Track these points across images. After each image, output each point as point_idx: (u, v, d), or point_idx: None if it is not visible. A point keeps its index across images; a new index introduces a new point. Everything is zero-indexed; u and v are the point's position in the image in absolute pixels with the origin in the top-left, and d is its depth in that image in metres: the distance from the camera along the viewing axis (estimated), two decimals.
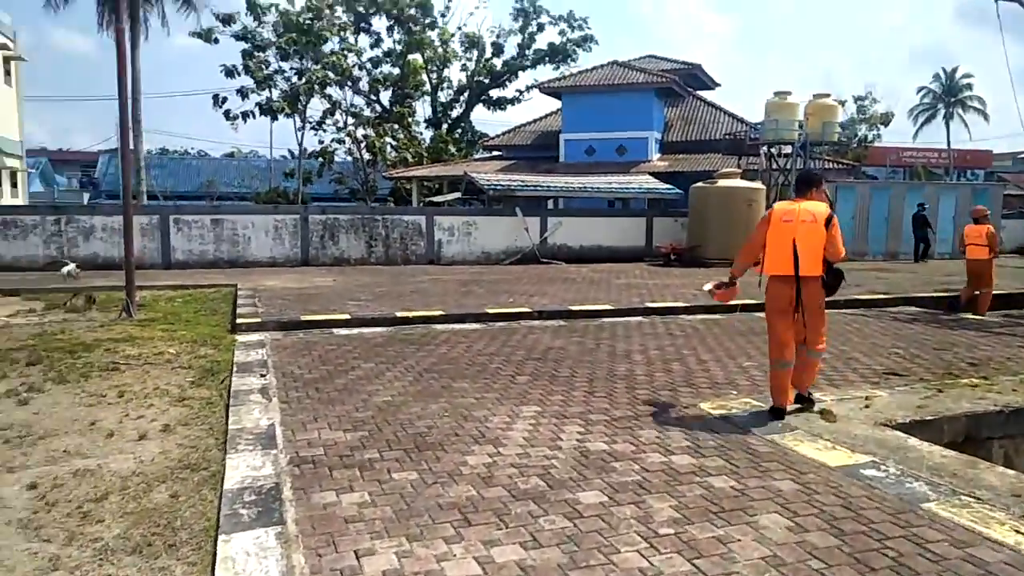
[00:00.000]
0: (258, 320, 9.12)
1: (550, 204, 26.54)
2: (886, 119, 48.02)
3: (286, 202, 34.33)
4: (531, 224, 19.74)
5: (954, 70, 62.99)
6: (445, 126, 42.39)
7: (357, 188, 36.62)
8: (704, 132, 29.42)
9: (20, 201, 28.35)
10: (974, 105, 63.63)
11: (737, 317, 10.67)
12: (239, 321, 9.07)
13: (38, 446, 4.76)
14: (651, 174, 24.69)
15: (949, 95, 63.58)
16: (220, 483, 4.05)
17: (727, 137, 25.31)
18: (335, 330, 9.17)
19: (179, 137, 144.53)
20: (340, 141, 35.81)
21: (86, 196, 51.47)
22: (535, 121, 33.26)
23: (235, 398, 5.86)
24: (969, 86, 62.93)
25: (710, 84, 34.98)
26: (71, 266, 11.41)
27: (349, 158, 37.45)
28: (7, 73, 27.23)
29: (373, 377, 6.67)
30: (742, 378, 6.81)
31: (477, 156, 37.41)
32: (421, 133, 40.06)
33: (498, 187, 19.52)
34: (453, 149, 40.51)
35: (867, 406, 5.85)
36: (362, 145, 35.01)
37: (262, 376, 6.63)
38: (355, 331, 9.14)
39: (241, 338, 8.61)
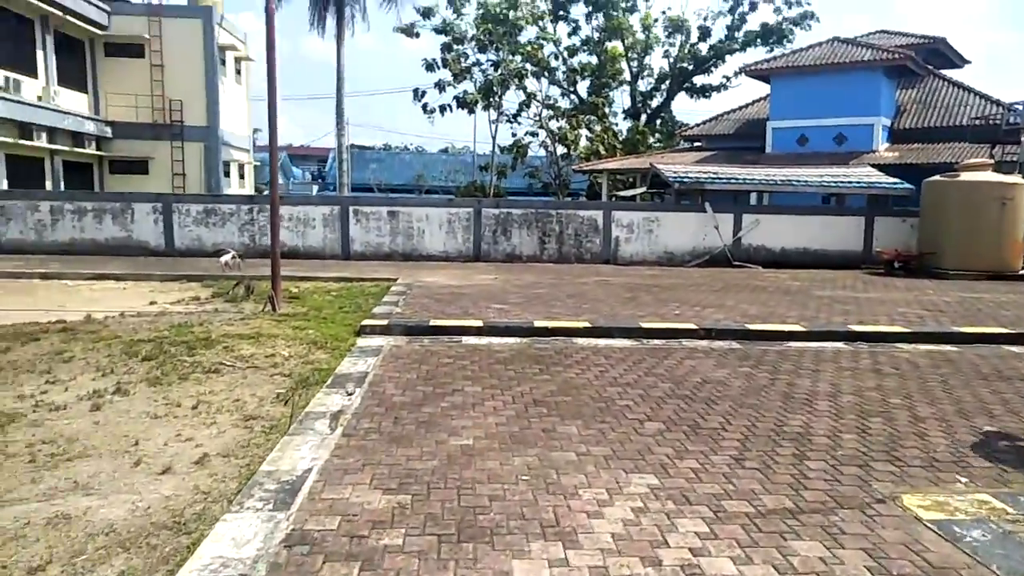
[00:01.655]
0: (384, 323, 8.37)
1: (752, 200, 23.92)
2: None
3: (483, 196, 34.68)
4: (723, 222, 17.56)
5: None
6: (644, 117, 40.48)
7: (550, 182, 36.04)
8: (947, 117, 24.79)
9: (247, 191, 31.15)
10: None
11: (980, 353, 8.10)
12: (365, 323, 8.38)
13: (58, 470, 4.17)
14: (876, 166, 21.13)
15: None
16: (184, 561, 3.08)
17: (976, 122, 20.95)
18: (464, 338, 8.17)
19: (400, 133, 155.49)
20: (534, 133, 35.44)
21: (315, 188, 56.76)
22: (740, 108, 30.30)
23: (300, 423, 4.98)
24: None
25: (957, 61, 29.60)
26: (228, 255, 11.60)
27: (543, 151, 36.99)
28: (238, 72, 29.95)
29: (470, 407, 5.51)
30: (978, 456, 4.71)
31: (678, 147, 35.16)
32: (617, 124, 38.53)
33: (685, 179, 17.58)
34: (652, 140, 38.55)
35: None
36: (555, 137, 34.31)
37: (348, 395, 5.74)
38: (484, 341, 8.07)
39: (362, 341, 7.89)
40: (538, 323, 8.63)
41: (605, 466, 4.33)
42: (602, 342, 8.18)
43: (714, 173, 18.20)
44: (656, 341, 8.34)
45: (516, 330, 8.36)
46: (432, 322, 8.51)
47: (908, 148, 24.12)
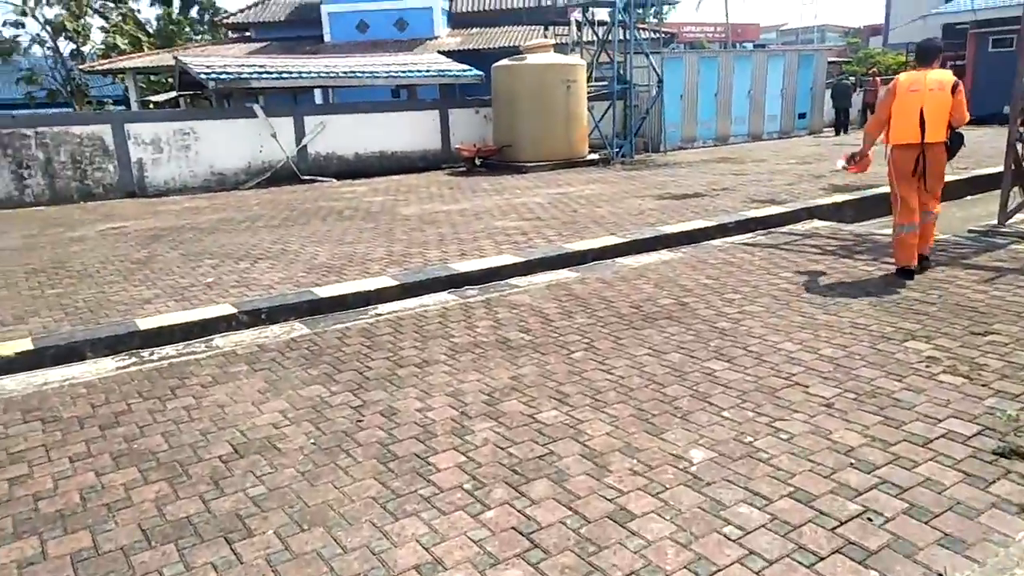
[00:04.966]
0: None
1: (318, 98, 20.76)
2: None
3: None
4: (281, 128, 14.10)
5: None
6: (177, 3, 33.45)
7: (58, 89, 27.59)
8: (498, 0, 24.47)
9: None
10: None
11: (602, 277, 6.44)
12: None
13: None
14: (441, 53, 19.56)
15: None
16: None
17: (528, 2, 20.66)
18: None
19: None
20: (18, 24, 26.30)
21: None
22: None
23: None
24: None
25: None
26: None
27: (43, 49, 28.01)
28: None
29: None
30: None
31: (228, 40, 29.55)
32: (140, 11, 31.02)
33: (224, 76, 13.47)
34: (192, 32, 32.13)
35: None
36: (53, 29, 25.92)
37: None
38: None
39: None
40: None
41: None
42: (53, 378, 4.44)
43: (261, 67, 14.38)
44: (167, 350, 4.90)
45: None
46: None
47: (468, 33, 23.23)
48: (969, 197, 10.55)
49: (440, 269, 6.51)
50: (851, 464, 3.08)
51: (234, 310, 5.40)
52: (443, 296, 6.03)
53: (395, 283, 6.08)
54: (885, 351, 4.34)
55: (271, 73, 14.11)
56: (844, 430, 3.38)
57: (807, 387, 3.89)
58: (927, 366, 4.09)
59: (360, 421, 3.70)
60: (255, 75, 13.86)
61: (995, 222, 7.97)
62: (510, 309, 5.60)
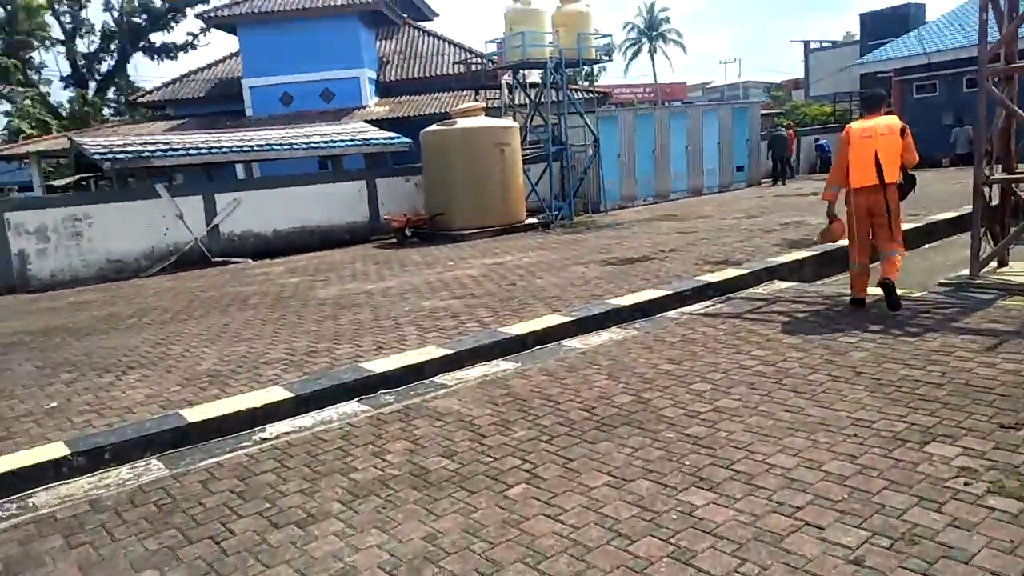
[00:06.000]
0: None
1: (240, 174, 19.63)
2: (608, 50, 46.58)
3: None
4: (190, 207, 12.89)
5: (652, 4, 65.10)
6: (93, 84, 32.18)
7: None
8: (428, 67, 24.01)
9: None
10: (673, 38, 66.72)
11: (546, 368, 5.39)
12: None
13: None
14: (369, 122, 18.76)
15: (651, 29, 65.73)
16: None
17: (458, 68, 20.18)
18: None
19: None
20: None
21: None
22: (210, 66, 25.31)
23: None
24: (667, 19, 65.81)
25: (428, 13, 29.57)
26: None
27: None
28: None
29: None
30: None
31: (149, 118, 28.28)
32: (51, 94, 29.67)
33: (121, 156, 12.26)
34: (109, 112, 30.80)
35: None
36: None
37: None
38: None
39: None
40: None
41: None
42: None
43: (165, 144, 13.22)
44: None
45: None
46: None
47: (397, 101, 22.60)
48: (927, 245, 10.00)
49: (349, 371, 5.37)
50: None
51: (66, 451, 4.14)
52: (351, 407, 4.87)
53: (288, 395, 4.91)
54: (905, 461, 3.37)
55: (176, 150, 12.93)
56: None
57: (822, 529, 2.86)
58: (965, 483, 3.12)
59: None
60: (158, 153, 12.66)
61: (965, 272, 7.26)
62: (432, 421, 4.48)
